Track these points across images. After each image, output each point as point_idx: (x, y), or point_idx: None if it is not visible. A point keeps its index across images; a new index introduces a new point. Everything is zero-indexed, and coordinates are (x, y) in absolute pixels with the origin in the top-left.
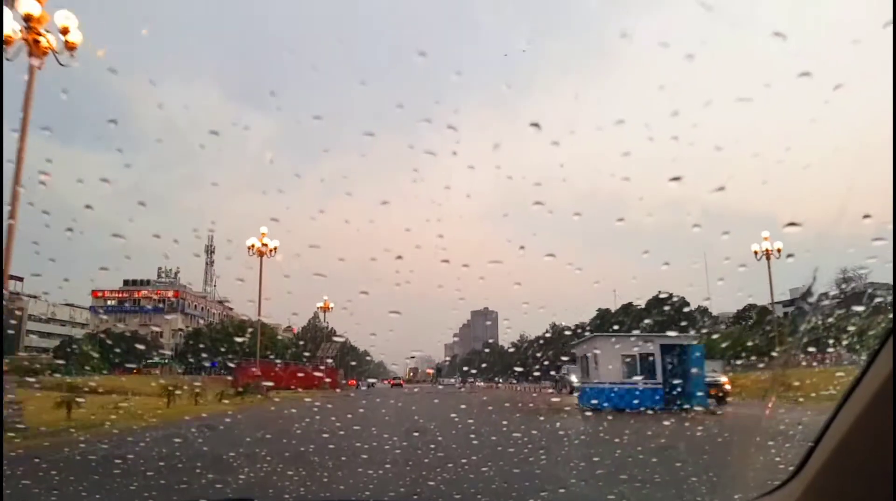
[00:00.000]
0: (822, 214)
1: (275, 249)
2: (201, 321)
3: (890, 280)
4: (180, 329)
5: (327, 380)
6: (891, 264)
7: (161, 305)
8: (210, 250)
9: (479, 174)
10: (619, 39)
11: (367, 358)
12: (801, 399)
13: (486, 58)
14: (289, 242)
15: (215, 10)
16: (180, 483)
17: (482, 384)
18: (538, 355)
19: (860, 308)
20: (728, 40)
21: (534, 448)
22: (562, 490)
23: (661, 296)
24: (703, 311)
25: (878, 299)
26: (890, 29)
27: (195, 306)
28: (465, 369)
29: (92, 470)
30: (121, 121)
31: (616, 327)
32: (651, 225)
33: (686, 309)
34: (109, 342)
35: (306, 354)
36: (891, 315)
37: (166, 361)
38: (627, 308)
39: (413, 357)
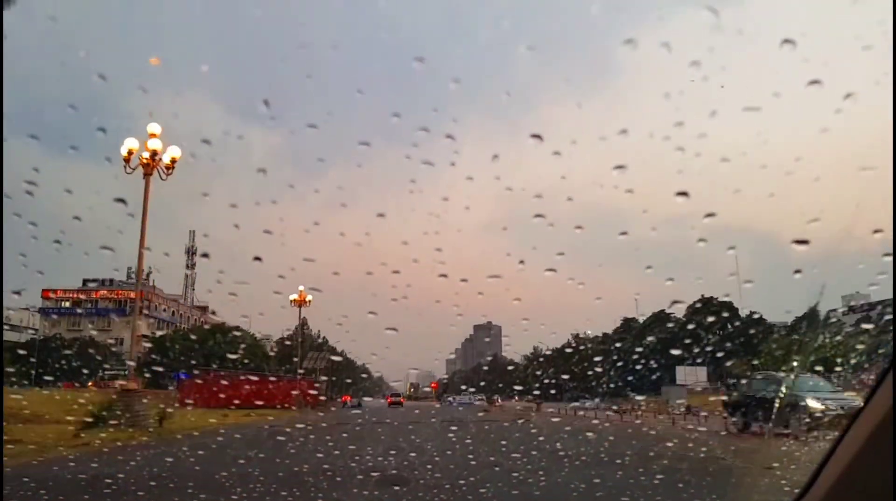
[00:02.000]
0: (831, 228)
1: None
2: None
3: None
4: (144, 335)
5: (305, 394)
6: None
7: (122, 307)
8: (191, 253)
9: (478, 186)
10: (623, 47)
11: (364, 375)
12: None
13: (486, 66)
14: (282, 255)
15: (208, 18)
16: None
17: (498, 401)
18: (557, 370)
19: (869, 326)
20: (736, 48)
21: None
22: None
23: (700, 303)
24: (758, 320)
25: (887, 318)
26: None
27: (164, 309)
28: (463, 387)
29: None
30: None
31: (651, 339)
32: (655, 239)
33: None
34: (58, 349)
35: (291, 366)
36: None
37: (126, 372)
38: (660, 317)
39: (415, 370)
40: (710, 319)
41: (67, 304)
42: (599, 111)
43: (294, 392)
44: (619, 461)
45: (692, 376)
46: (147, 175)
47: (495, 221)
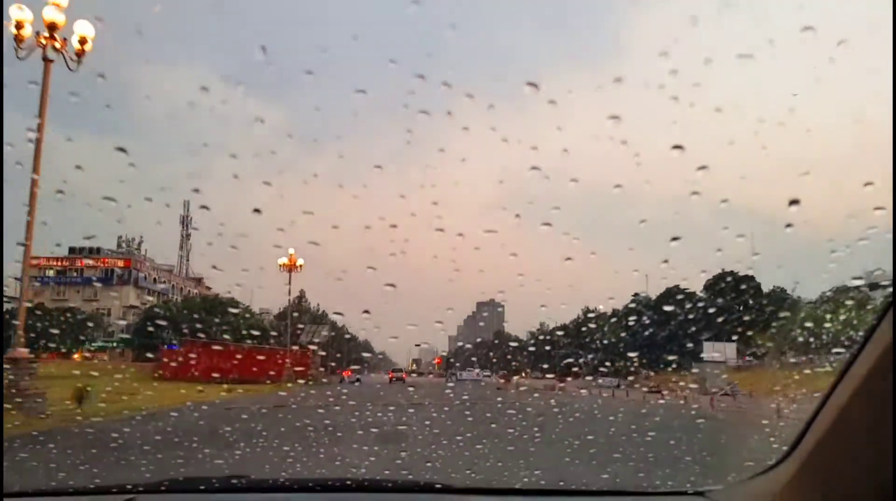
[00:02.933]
0: (823, 181)
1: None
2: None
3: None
4: (133, 306)
5: (297, 367)
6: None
7: (109, 276)
8: (186, 222)
9: (474, 137)
10: None
11: (366, 352)
12: None
13: (483, 12)
14: (282, 207)
15: None
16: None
17: (519, 380)
18: (570, 346)
19: (859, 282)
20: None
21: None
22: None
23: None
24: (782, 294)
25: (876, 273)
26: None
27: (155, 279)
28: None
29: None
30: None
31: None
32: (649, 192)
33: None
34: (42, 318)
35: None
36: (890, 289)
37: (115, 343)
38: (672, 293)
39: (418, 346)
40: (731, 293)
41: (52, 273)
42: (595, 60)
43: (303, 366)
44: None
45: (720, 352)
46: (47, 60)
47: (491, 173)
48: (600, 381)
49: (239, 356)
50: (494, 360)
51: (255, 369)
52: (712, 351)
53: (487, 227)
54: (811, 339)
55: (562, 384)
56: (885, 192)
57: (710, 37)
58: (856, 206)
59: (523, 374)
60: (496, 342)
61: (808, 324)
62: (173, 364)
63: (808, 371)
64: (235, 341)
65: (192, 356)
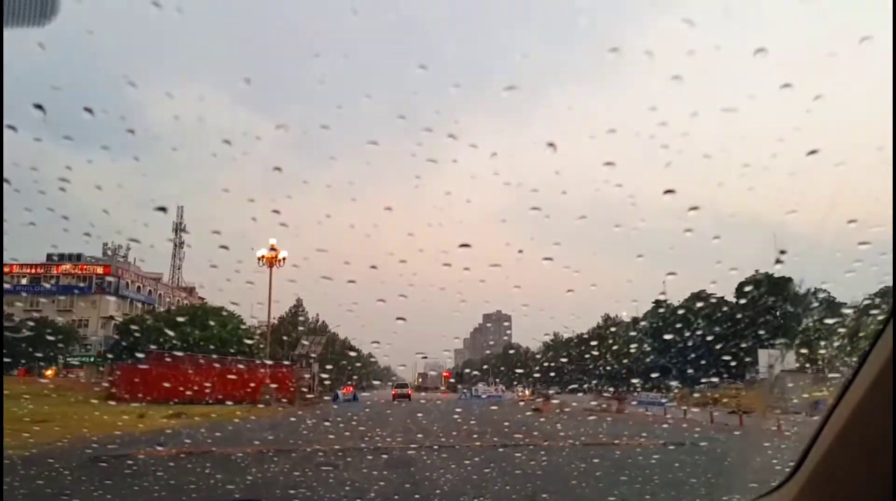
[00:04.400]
0: (808, 219)
1: (283, 259)
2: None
3: (875, 287)
4: (112, 317)
5: (280, 386)
6: (878, 268)
7: (87, 285)
8: (179, 230)
9: (479, 181)
10: (610, 54)
11: (369, 364)
12: None
13: (485, 71)
14: (296, 246)
15: (233, 30)
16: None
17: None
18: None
19: (849, 311)
20: (712, 55)
21: None
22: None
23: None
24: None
25: (866, 302)
26: (866, 44)
27: (139, 288)
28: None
29: None
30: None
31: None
32: (645, 229)
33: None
34: (12, 330)
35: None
36: (884, 316)
37: (92, 358)
38: (701, 298)
39: (424, 359)
40: (769, 298)
41: (25, 281)
42: (589, 113)
43: (262, 383)
44: None
45: (777, 360)
46: None
47: (495, 213)
48: (644, 398)
49: (209, 373)
50: (504, 372)
51: (227, 387)
52: (767, 359)
53: (492, 261)
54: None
55: (619, 403)
56: (866, 228)
57: (694, 93)
58: (841, 241)
59: (523, 390)
60: (505, 355)
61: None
62: (130, 383)
63: None
64: (221, 355)
65: (154, 372)
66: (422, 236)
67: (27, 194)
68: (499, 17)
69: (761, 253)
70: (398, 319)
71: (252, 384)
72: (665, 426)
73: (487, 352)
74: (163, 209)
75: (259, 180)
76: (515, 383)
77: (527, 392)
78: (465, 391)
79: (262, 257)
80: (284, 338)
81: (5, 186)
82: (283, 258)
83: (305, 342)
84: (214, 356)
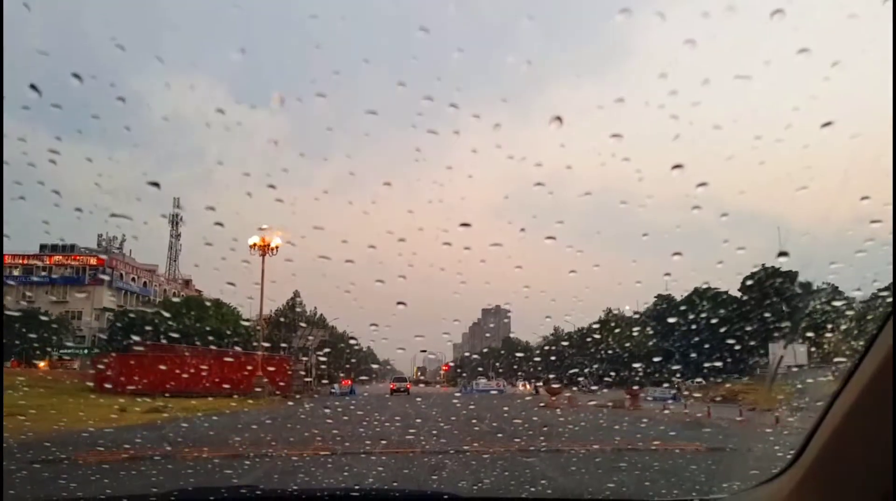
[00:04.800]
0: (819, 195)
1: (276, 247)
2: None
3: (886, 267)
4: (107, 308)
5: (272, 379)
6: (889, 246)
7: (80, 276)
8: (175, 221)
9: (481, 154)
10: (620, 15)
11: (368, 359)
12: None
13: (488, 36)
14: (293, 223)
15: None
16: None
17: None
18: (596, 351)
19: (858, 293)
20: (727, 18)
21: None
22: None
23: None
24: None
25: (876, 284)
26: (889, 3)
27: (134, 279)
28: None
29: None
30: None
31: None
32: (652, 207)
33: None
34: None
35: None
36: (889, 299)
37: (86, 349)
38: (703, 293)
39: (423, 353)
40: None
41: (17, 272)
42: (597, 82)
43: (257, 375)
44: None
45: (790, 355)
46: None
47: (497, 189)
48: (656, 393)
49: (200, 364)
50: (505, 368)
51: (218, 378)
52: (779, 354)
53: (493, 240)
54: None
55: (632, 398)
56: (880, 205)
57: (707, 59)
58: (853, 219)
59: (528, 383)
60: (505, 349)
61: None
62: (116, 373)
63: None
64: (218, 346)
65: (143, 363)
66: (421, 214)
67: (17, 167)
68: None
69: (770, 232)
70: (398, 303)
71: (245, 376)
72: (688, 421)
73: (486, 348)
74: (156, 184)
75: (254, 152)
76: (515, 377)
77: (528, 386)
78: (465, 384)
79: (255, 244)
80: (281, 330)
81: None
82: (277, 246)
83: (303, 334)
84: (207, 347)
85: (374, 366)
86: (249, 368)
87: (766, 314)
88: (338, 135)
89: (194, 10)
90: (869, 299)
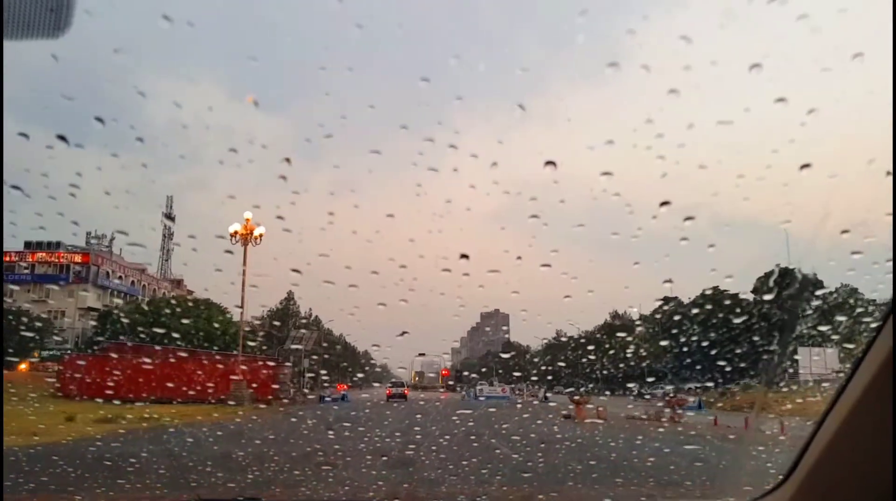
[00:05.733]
0: (803, 228)
1: (260, 236)
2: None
3: (868, 296)
4: (92, 308)
5: (256, 383)
6: (870, 277)
7: (64, 274)
8: (167, 219)
9: (479, 190)
10: (608, 69)
11: (364, 362)
12: None
13: (485, 83)
14: (301, 251)
15: (244, 44)
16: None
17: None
18: (601, 356)
19: (843, 318)
20: (708, 70)
21: None
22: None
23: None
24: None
25: (859, 310)
26: (858, 59)
27: (121, 278)
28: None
29: None
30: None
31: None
32: (642, 237)
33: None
34: None
35: (271, 348)
36: (874, 324)
37: (69, 351)
38: (715, 296)
39: (421, 356)
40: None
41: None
42: (588, 124)
43: (237, 380)
44: None
45: (819, 360)
46: None
47: (494, 221)
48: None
49: (174, 367)
50: (509, 372)
51: (193, 383)
52: (809, 359)
53: (491, 267)
54: None
55: (673, 410)
56: (860, 239)
57: (690, 106)
58: (835, 251)
59: (524, 389)
60: (505, 354)
61: None
62: (81, 378)
63: None
64: (205, 349)
65: (111, 367)
66: (422, 243)
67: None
68: (500, 33)
69: (756, 263)
70: (401, 334)
71: (224, 380)
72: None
73: (486, 352)
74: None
75: (264, 187)
76: (518, 382)
77: (531, 393)
78: (468, 391)
79: (235, 232)
80: (272, 332)
81: None
82: (261, 235)
83: (296, 336)
84: (184, 350)
85: (370, 368)
86: (228, 372)
87: (790, 318)
88: (343, 172)
89: (210, 64)
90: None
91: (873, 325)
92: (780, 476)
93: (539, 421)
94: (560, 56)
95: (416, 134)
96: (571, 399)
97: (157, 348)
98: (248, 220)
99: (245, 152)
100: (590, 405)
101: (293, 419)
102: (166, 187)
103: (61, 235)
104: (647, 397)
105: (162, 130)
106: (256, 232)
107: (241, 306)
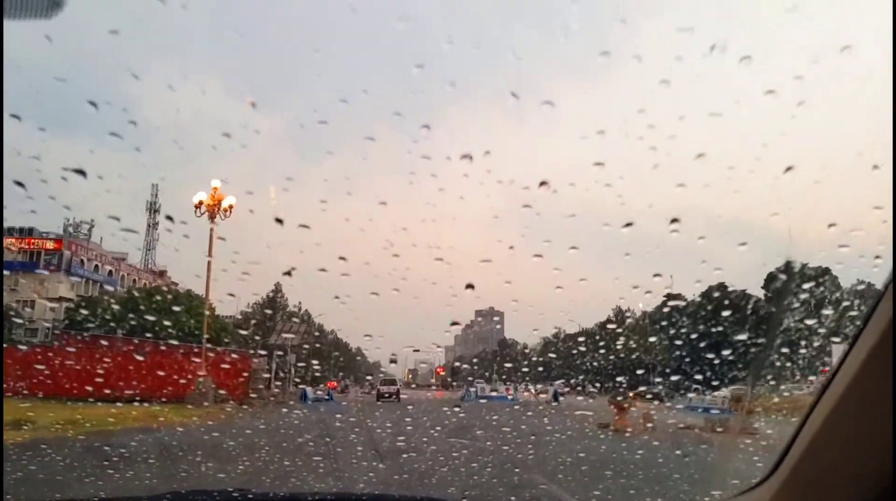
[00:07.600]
0: (792, 221)
1: (230, 207)
2: (112, 290)
3: (859, 288)
4: (63, 298)
5: (226, 380)
6: (857, 270)
7: (34, 261)
8: (153, 209)
9: (472, 178)
10: (600, 58)
11: (358, 358)
12: None
13: (478, 71)
14: (294, 238)
15: (236, 24)
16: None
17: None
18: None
19: (829, 312)
20: (700, 62)
21: None
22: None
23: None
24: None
25: (845, 304)
26: (847, 52)
27: (98, 267)
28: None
29: None
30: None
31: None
32: (633, 228)
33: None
34: None
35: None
36: (865, 311)
37: (38, 344)
38: (723, 293)
39: (415, 352)
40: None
41: None
42: (580, 114)
43: (200, 375)
44: None
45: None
46: None
47: (487, 210)
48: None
49: (128, 361)
50: (505, 369)
51: (149, 379)
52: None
53: (484, 257)
54: None
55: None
56: (847, 232)
57: (682, 97)
58: (822, 244)
59: (527, 387)
60: (501, 351)
61: None
62: (22, 372)
63: None
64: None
65: (56, 359)
66: (415, 232)
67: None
68: (494, 20)
69: (745, 254)
70: (393, 289)
71: (186, 378)
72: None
73: (481, 349)
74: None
75: (257, 173)
76: (518, 380)
77: (539, 392)
78: (469, 390)
79: (200, 202)
80: (257, 326)
81: None
82: (230, 206)
83: (282, 329)
84: (148, 342)
85: (362, 360)
86: (195, 368)
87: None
88: (337, 158)
89: (200, 46)
90: (837, 318)
91: (858, 320)
92: (767, 470)
93: (580, 436)
94: (553, 45)
95: (410, 121)
96: (612, 402)
97: (118, 339)
98: (215, 189)
99: (238, 138)
100: (633, 409)
101: (259, 429)
102: (158, 170)
103: (52, 222)
104: (707, 396)
105: (154, 113)
106: (225, 203)
107: (206, 294)
